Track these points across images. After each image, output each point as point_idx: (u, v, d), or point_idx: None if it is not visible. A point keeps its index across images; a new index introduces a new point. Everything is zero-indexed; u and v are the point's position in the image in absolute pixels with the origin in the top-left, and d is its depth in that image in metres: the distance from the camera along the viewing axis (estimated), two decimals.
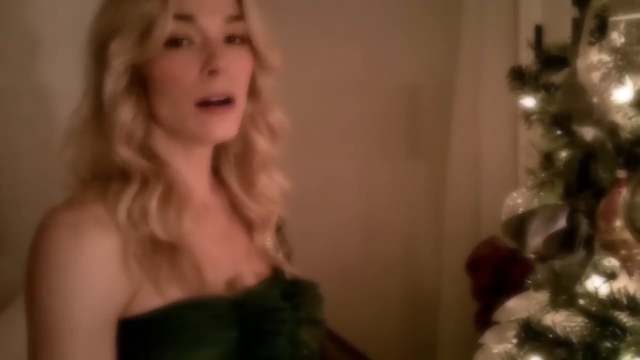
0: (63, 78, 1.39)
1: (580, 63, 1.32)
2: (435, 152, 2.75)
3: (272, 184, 1.15)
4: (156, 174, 0.99)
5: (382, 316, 2.80)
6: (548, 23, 2.21)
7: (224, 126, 1.00)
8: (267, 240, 1.17)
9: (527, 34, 2.21)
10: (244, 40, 1.02)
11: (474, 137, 2.53)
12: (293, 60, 2.60)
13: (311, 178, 2.64)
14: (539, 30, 2.19)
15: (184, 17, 0.97)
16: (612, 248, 1.26)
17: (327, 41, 2.65)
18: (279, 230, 2.05)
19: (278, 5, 2.47)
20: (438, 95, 2.73)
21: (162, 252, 0.96)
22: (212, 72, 0.97)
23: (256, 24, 1.02)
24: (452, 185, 2.64)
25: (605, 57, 1.26)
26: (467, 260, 2.34)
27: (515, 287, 1.63)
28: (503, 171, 2.41)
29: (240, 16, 1.01)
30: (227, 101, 1.00)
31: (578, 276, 1.30)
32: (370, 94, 2.75)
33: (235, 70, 1.00)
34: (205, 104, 0.98)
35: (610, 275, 1.32)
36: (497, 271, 2.22)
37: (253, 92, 1.08)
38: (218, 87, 0.98)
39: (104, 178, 0.98)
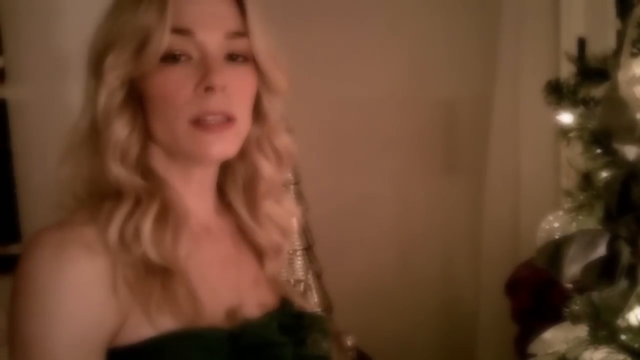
0: None
1: (622, 76, 1.24)
2: (473, 169, 2.72)
3: (281, 211, 1.09)
4: (151, 193, 0.94)
5: (418, 336, 2.78)
6: (591, 35, 2.13)
7: (221, 145, 0.94)
8: (279, 269, 1.11)
9: (568, 46, 2.13)
10: (247, 58, 0.96)
11: (513, 153, 2.49)
12: (328, 74, 2.59)
13: (347, 194, 2.64)
14: (582, 43, 2.09)
15: (181, 31, 0.92)
16: None
17: (364, 56, 2.64)
18: (310, 249, 2.01)
19: (315, 19, 2.48)
20: (476, 109, 2.70)
21: (155, 276, 0.91)
22: (208, 89, 0.92)
23: (261, 42, 0.96)
24: (490, 202, 2.60)
25: None
26: (506, 282, 2.26)
27: (556, 310, 1.55)
28: (544, 189, 2.35)
29: (243, 33, 0.95)
30: (226, 120, 0.94)
31: (619, 309, 1.20)
32: (407, 108, 2.74)
33: (234, 88, 0.94)
34: (199, 122, 0.93)
35: None
36: (537, 294, 2.14)
37: (259, 114, 1.02)
38: (214, 105, 0.92)
39: (98, 198, 0.94)
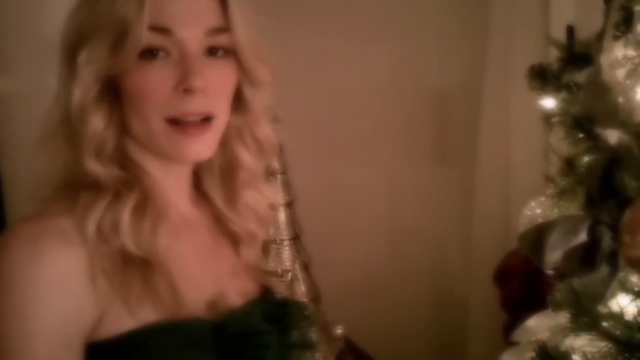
0: None
1: (604, 59, 1.22)
2: (463, 158, 2.70)
3: (259, 199, 1.09)
4: (129, 184, 0.93)
5: (408, 326, 2.76)
6: (581, 23, 2.11)
7: (198, 148, 0.94)
8: (256, 256, 1.10)
9: (558, 34, 2.11)
10: (228, 52, 0.95)
11: (504, 143, 2.47)
12: (317, 63, 2.57)
13: (336, 185, 2.62)
14: (570, 30, 2.08)
15: (160, 29, 0.90)
16: (638, 265, 1.14)
17: (352, 44, 2.61)
18: (297, 239, 2.00)
19: (301, 6, 2.46)
20: (466, 99, 2.67)
21: (134, 268, 0.90)
22: (187, 91, 0.90)
23: (242, 36, 0.95)
24: (480, 192, 2.58)
25: (631, 52, 1.15)
26: (495, 270, 2.25)
27: (545, 299, 1.53)
28: (534, 178, 2.31)
29: (224, 28, 0.93)
30: (204, 119, 0.93)
31: (601, 295, 1.19)
32: (396, 98, 2.71)
33: (214, 87, 0.93)
34: (177, 122, 0.91)
35: (638, 295, 1.20)
36: (526, 282, 2.13)
37: (240, 104, 1.01)
38: (193, 106, 0.91)
39: (75, 187, 0.92)
